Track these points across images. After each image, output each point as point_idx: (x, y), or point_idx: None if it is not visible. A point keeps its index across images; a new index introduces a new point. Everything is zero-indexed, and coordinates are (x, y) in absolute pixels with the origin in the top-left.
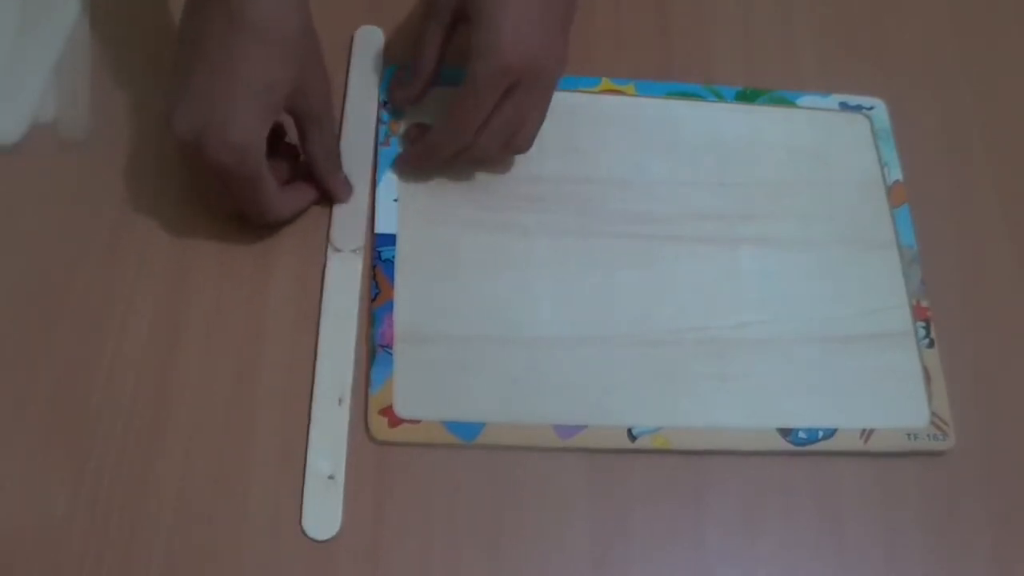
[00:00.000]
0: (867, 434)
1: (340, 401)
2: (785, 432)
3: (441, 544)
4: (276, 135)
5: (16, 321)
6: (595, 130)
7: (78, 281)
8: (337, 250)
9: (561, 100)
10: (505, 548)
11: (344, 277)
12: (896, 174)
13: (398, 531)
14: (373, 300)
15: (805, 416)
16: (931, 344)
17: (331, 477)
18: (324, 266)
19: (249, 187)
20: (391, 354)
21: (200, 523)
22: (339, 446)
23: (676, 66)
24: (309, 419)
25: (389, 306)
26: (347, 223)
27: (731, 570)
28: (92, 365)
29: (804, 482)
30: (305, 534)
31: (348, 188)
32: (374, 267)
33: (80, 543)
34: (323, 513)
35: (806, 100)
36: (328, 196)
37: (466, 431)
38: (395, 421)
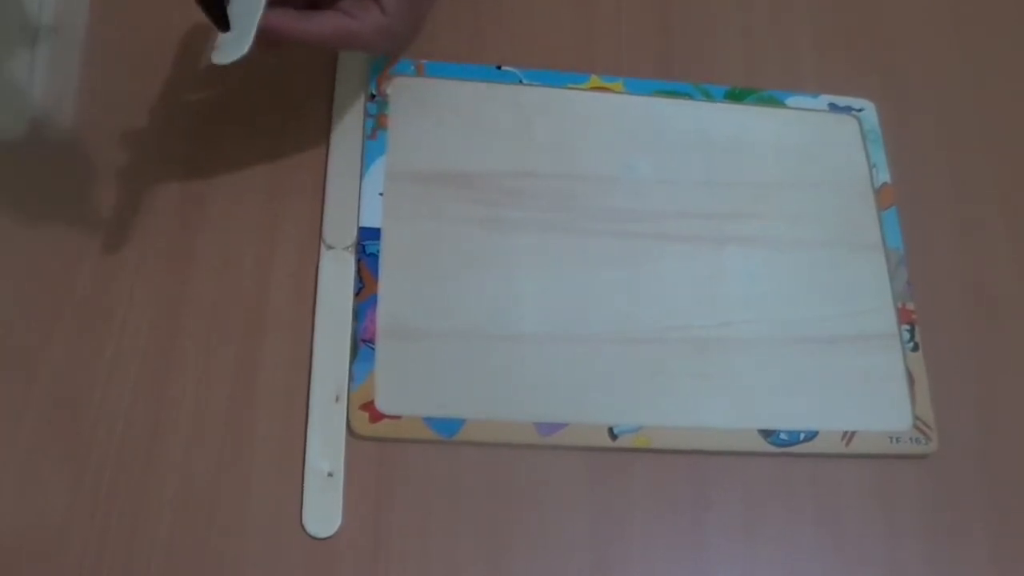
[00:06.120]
0: (849, 436)
1: (337, 398)
2: (767, 433)
3: (441, 540)
4: None
5: (16, 321)
6: (583, 127)
7: (78, 281)
8: (330, 247)
9: (549, 96)
10: (505, 545)
11: (337, 274)
12: (884, 176)
13: (398, 527)
14: (357, 294)
15: (787, 417)
16: (915, 347)
17: (330, 475)
18: (318, 263)
19: None
20: (373, 349)
21: (200, 522)
22: (337, 443)
23: (676, 66)
24: (307, 417)
25: (372, 301)
26: (339, 220)
27: (730, 570)
28: (92, 365)
29: (804, 483)
30: (306, 532)
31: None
32: (358, 261)
33: (80, 543)
34: (323, 510)
35: (795, 100)
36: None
37: (446, 427)
38: (376, 416)
